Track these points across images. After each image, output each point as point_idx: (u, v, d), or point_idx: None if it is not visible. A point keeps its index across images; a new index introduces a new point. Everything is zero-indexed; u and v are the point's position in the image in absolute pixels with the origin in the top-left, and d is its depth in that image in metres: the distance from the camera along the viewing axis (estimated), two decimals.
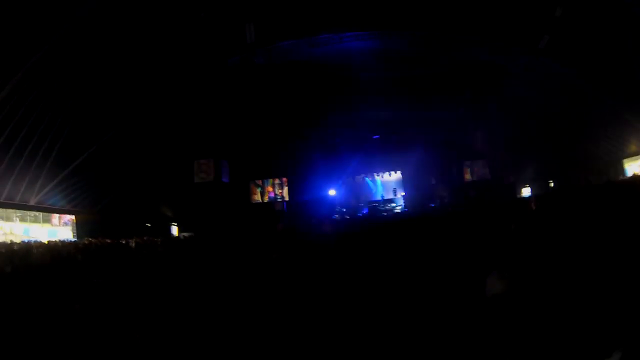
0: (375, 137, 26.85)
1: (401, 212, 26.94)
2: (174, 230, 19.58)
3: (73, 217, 15.31)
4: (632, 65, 13.67)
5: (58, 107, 12.94)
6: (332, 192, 27.76)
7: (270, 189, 25.93)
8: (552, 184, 19.59)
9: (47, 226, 14.35)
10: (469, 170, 23.91)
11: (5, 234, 13.63)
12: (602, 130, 16.34)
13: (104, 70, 13.59)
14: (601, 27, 13.89)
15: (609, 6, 13.38)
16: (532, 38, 16.04)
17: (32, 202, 13.57)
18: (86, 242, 13.27)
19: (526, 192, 20.89)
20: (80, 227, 15.21)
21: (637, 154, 15.77)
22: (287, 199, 25.33)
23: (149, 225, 16.82)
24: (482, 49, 17.50)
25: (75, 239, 14.44)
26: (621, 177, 15.47)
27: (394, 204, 28.49)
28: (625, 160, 16.30)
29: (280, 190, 25.59)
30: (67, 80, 12.60)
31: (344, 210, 28.53)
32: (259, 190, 25.82)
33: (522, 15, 15.00)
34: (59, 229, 14.72)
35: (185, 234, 18.30)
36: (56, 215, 14.69)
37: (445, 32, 17.22)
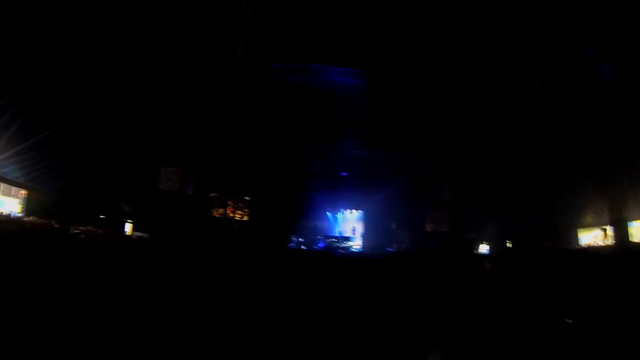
0: (343, 174, 27.14)
1: (357, 251, 27.02)
2: (128, 227, 18.77)
3: (24, 191, 14.25)
4: (599, 145, 14.67)
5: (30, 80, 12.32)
6: (291, 219, 27.57)
7: (230, 207, 25.40)
8: (509, 244, 20.30)
9: None
10: (430, 220, 24.39)
11: None
12: (562, 199, 17.26)
13: (84, 56, 13.19)
14: (576, 104, 14.95)
15: (587, 85, 14.47)
16: (511, 104, 17.04)
17: None
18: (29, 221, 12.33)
19: (483, 248, 21.51)
20: (29, 203, 14.16)
21: (592, 226, 16.70)
22: (246, 218, 24.84)
23: (103, 217, 15.99)
24: (464, 106, 18.32)
25: (21, 215, 13.39)
26: (575, 246, 16.27)
27: (351, 243, 28.58)
28: (579, 230, 17.19)
29: (240, 209, 25.11)
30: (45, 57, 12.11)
31: (302, 240, 28.34)
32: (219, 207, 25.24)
33: (506, 82, 15.97)
34: (5, 200, 13.62)
35: (139, 234, 17.62)
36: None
37: (430, 82, 17.92)
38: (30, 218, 12.84)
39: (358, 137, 22.98)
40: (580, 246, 15.86)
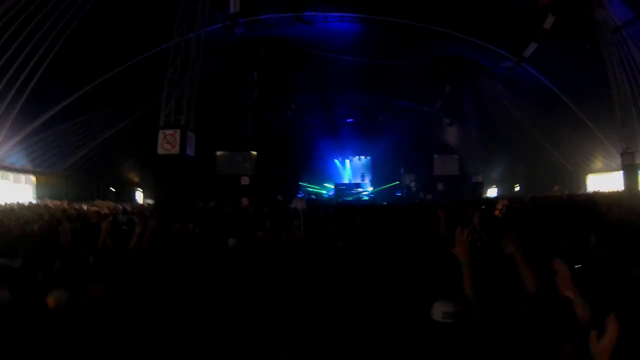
0: (349, 120, 26.70)
1: (367, 198, 27.14)
2: (139, 196, 18.96)
3: (33, 177, 14.32)
4: (608, 89, 14.02)
5: (24, 61, 11.94)
6: (298, 170, 27.56)
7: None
8: (517, 188, 20.13)
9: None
10: (438, 163, 24.15)
11: None
12: (571, 144, 16.81)
13: (80, 25, 12.65)
14: (584, 46, 14.14)
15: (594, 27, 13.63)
16: (519, 45, 16.12)
17: None
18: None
19: (492, 192, 21.41)
20: (41, 188, 14.28)
21: (601, 171, 16.36)
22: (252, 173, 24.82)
23: (114, 190, 16.12)
24: (469, 48, 17.47)
25: (34, 201, 13.56)
26: (582, 192, 16.07)
27: (360, 189, 28.66)
28: (588, 175, 16.86)
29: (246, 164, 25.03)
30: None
31: (310, 189, 28.52)
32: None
33: (513, 22, 15.01)
34: (18, 187, 13.71)
35: (149, 202, 17.89)
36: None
37: (433, 25, 16.98)
38: (42, 202, 13.04)
39: (361, 84, 22.37)
40: (589, 191, 15.66)
